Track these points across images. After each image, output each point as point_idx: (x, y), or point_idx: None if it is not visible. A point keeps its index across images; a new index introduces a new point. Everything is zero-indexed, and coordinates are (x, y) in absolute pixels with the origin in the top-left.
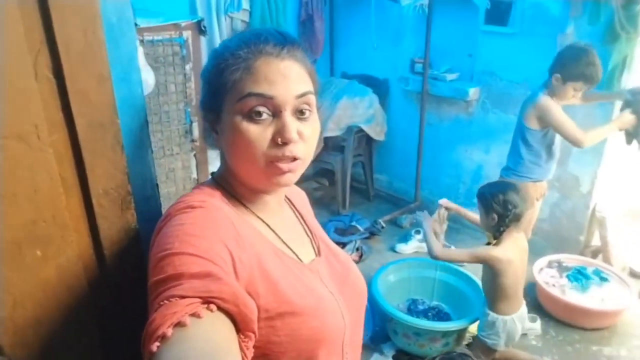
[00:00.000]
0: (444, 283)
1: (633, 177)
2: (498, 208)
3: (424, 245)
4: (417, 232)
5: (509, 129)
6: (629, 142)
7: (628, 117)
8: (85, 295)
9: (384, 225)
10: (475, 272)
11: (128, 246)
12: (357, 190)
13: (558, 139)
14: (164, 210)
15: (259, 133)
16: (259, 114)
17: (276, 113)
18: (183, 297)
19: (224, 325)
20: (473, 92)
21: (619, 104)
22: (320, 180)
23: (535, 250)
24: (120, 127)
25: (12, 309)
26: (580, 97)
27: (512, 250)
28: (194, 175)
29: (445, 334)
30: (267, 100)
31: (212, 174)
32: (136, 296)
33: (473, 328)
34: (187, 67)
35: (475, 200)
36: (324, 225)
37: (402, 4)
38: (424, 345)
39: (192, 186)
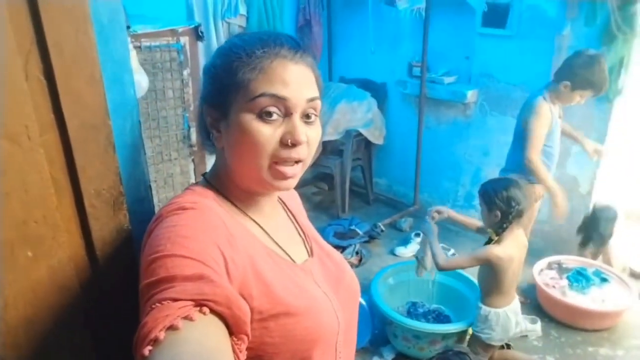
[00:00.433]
0: (444, 285)
1: (632, 178)
2: (501, 205)
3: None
4: (417, 235)
5: (508, 131)
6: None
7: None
8: (77, 296)
9: (383, 228)
10: (474, 273)
11: (120, 247)
12: (356, 194)
13: (556, 142)
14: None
15: (268, 133)
16: (270, 114)
17: (286, 115)
18: (175, 299)
19: (217, 328)
20: (471, 95)
21: (617, 104)
22: (319, 184)
23: (535, 252)
24: (112, 128)
25: (3, 309)
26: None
27: (512, 247)
28: (192, 180)
29: (445, 336)
30: (279, 101)
31: (204, 174)
32: (128, 297)
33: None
34: (185, 72)
35: (475, 202)
36: (323, 229)
37: (399, 8)
38: (423, 348)
39: None
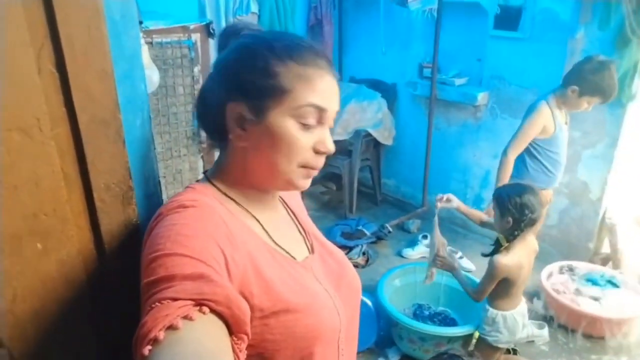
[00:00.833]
0: (451, 288)
1: None
2: (514, 211)
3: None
4: (424, 237)
5: None
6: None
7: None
8: (84, 289)
9: (390, 229)
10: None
11: (129, 242)
12: (364, 195)
13: (562, 149)
14: None
15: (306, 140)
16: (310, 123)
17: (319, 123)
18: (175, 299)
19: (217, 328)
20: (482, 97)
21: (630, 109)
22: (327, 184)
23: (544, 258)
24: (123, 123)
25: (12, 301)
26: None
27: (522, 254)
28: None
29: (451, 339)
30: (320, 112)
31: (205, 172)
32: (136, 292)
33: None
34: (196, 69)
35: (483, 205)
36: (330, 229)
37: (410, 8)
38: (429, 350)
39: None
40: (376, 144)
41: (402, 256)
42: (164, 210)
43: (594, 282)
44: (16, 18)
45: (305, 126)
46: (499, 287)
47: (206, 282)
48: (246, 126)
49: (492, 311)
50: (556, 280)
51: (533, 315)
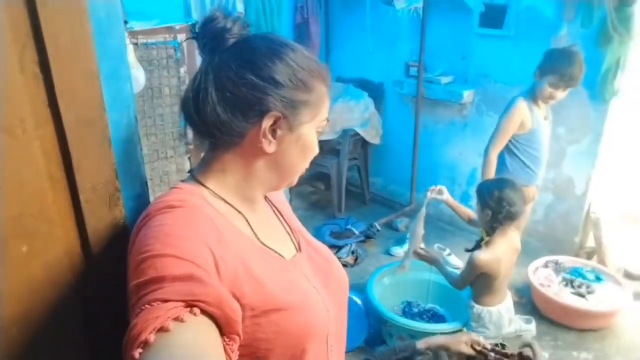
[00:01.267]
0: (439, 285)
1: (627, 178)
2: (492, 204)
3: None
4: None
5: None
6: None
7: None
8: (71, 292)
9: (379, 228)
10: None
11: (116, 243)
12: (352, 194)
13: (542, 145)
14: None
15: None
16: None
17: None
18: (166, 300)
19: (208, 329)
20: (467, 95)
21: (614, 105)
22: (315, 183)
23: (530, 252)
24: (109, 123)
25: None
26: (558, 99)
27: (501, 249)
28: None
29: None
30: (327, 122)
31: (191, 171)
32: (124, 294)
33: None
34: (182, 70)
35: (470, 202)
36: (319, 229)
37: (396, 7)
38: None
39: None
40: (364, 143)
41: (390, 254)
42: (152, 210)
43: (579, 276)
44: None
45: (317, 136)
46: (481, 283)
47: (196, 283)
48: (277, 134)
49: (477, 307)
50: (542, 275)
51: (520, 310)
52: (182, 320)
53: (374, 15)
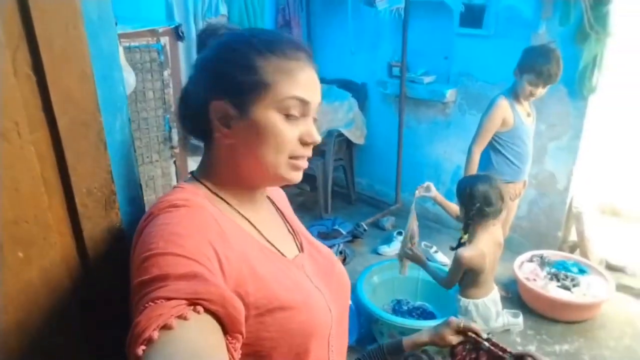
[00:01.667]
0: (428, 282)
1: (606, 173)
2: (465, 201)
3: None
4: (399, 233)
5: None
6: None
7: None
8: (69, 297)
9: (366, 228)
10: None
11: (113, 247)
12: (338, 195)
13: (526, 142)
14: None
15: (291, 132)
16: (294, 115)
17: (303, 116)
18: (169, 298)
19: (212, 328)
20: (450, 94)
21: (592, 102)
22: (301, 185)
23: (515, 248)
24: (104, 126)
25: None
26: (538, 96)
27: (484, 244)
28: (174, 182)
29: None
30: (303, 104)
31: (192, 172)
32: (122, 298)
33: None
34: (166, 73)
35: (455, 200)
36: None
37: (378, 8)
38: None
39: None
40: (349, 143)
41: (378, 253)
42: (155, 209)
43: (564, 269)
44: None
45: (290, 118)
46: (467, 278)
47: (200, 282)
48: (231, 123)
49: (463, 300)
50: (527, 269)
51: (507, 304)
52: (185, 319)
53: (356, 17)
